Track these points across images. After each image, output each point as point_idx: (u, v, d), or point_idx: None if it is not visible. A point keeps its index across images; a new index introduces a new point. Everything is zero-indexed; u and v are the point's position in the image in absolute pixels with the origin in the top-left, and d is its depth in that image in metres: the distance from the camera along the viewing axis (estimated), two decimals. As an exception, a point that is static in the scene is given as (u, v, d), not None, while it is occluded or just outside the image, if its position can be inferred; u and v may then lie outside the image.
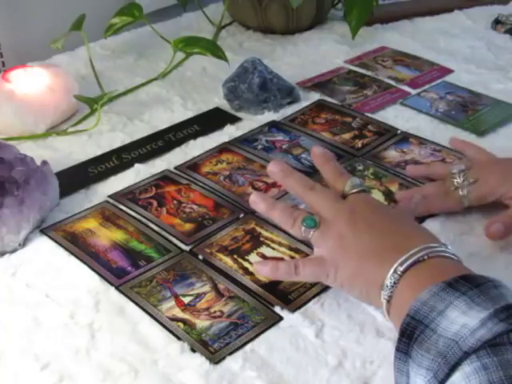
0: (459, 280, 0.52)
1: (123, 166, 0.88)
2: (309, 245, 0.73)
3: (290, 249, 0.72)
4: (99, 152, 0.91)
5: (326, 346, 0.61)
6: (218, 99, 1.03)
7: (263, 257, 0.71)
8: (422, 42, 1.21)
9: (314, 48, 1.21)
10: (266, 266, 0.66)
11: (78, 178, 0.86)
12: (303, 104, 1.02)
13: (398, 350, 0.52)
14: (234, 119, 0.98)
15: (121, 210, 0.80)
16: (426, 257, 0.57)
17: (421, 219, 0.76)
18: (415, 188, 0.80)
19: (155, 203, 0.80)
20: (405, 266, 0.57)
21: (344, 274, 0.62)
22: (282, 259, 0.70)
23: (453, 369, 0.47)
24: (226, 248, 0.73)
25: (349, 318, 0.64)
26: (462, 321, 0.48)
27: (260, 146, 0.91)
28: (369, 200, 0.67)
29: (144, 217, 0.78)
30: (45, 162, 0.80)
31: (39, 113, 0.95)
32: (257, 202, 0.69)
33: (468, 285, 0.51)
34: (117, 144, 0.93)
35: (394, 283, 0.57)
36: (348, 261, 0.62)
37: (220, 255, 0.72)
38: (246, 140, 0.93)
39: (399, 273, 0.57)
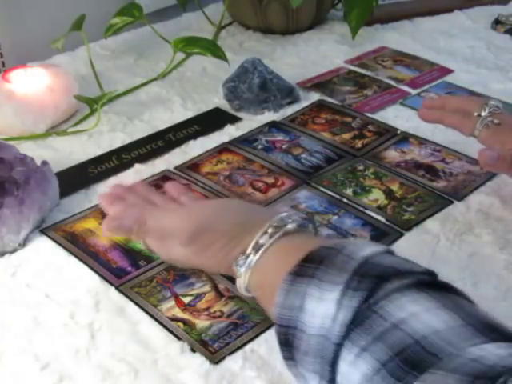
0: (303, 264, 0.49)
1: (123, 165, 0.88)
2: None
3: (290, 249, 0.72)
4: (99, 152, 0.91)
5: (326, 345, 0.61)
6: (217, 99, 1.03)
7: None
8: (421, 42, 1.21)
9: (314, 48, 1.21)
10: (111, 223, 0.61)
11: (78, 178, 0.86)
12: (303, 104, 1.02)
13: (284, 358, 0.50)
14: (234, 119, 0.98)
15: (121, 210, 0.79)
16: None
17: (421, 220, 0.76)
18: (442, 96, 0.85)
19: (155, 203, 0.80)
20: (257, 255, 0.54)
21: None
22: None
23: (334, 364, 0.46)
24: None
25: (349, 317, 0.64)
26: (321, 310, 0.46)
27: (260, 146, 0.91)
28: None
29: (144, 217, 0.78)
30: (45, 162, 0.80)
31: (39, 113, 0.95)
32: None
33: (313, 265, 0.49)
34: (117, 144, 0.93)
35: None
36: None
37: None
38: (246, 140, 0.93)
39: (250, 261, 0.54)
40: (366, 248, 0.49)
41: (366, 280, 0.46)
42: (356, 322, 0.45)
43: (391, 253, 0.51)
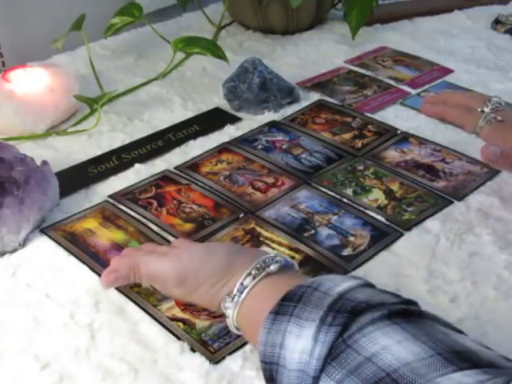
0: (282, 303, 0.52)
1: (123, 165, 0.88)
2: (308, 244, 0.73)
3: (290, 249, 0.72)
4: (99, 152, 0.91)
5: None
6: (218, 99, 1.03)
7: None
8: (421, 42, 1.21)
9: (314, 48, 1.21)
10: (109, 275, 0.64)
11: (78, 178, 0.86)
12: (303, 104, 1.02)
13: None
14: (234, 119, 0.98)
15: (121, 210, 0.80)
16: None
17: (421, 220, 0.76)
18: (445, 92, 0.85)
19: (155, 203, 0.80)
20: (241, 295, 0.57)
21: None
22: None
23: None
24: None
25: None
26: (300, 346, 0.48)
27: (260, 146, 0.91)
28: None
29: (144, 217, 0.78)
30: (45, 162, 0.80)
31: (39, 113, 0.95)
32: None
33: (291, 303, 0.51)
34: (117, 144, 0.93)
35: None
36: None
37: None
38: (246, 140, 0.93)
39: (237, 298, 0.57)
40: (342, 283, 0.52)
41: (340, 315, 0.48)
42: (332, 356, 0.47)
43: (369, 285, 0.53)
